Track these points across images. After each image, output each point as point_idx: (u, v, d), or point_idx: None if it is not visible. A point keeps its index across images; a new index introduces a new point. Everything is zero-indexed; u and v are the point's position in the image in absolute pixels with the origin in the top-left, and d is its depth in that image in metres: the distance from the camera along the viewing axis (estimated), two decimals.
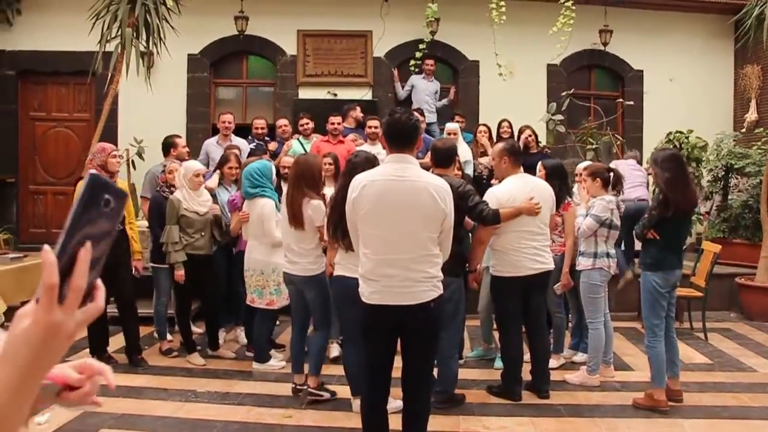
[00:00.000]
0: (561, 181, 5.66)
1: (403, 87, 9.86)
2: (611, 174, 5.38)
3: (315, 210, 4.75)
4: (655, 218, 4.69)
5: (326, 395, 4.90)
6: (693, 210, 4.95)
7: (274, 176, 5.65)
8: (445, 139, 6.26)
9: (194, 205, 5.69)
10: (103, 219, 0.89)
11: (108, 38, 7.06)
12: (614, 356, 5.80)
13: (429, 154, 5.21)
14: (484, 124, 8.42)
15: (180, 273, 5.62)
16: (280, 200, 5.46)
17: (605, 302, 5.40)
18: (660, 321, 4.77)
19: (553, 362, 5.80)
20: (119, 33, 6.98)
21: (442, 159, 4.75)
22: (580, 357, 5.85)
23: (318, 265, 4.88)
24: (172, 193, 5.95)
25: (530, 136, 7.82)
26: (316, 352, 4.98)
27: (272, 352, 5.93)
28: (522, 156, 7.22)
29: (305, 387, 4.91)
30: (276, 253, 5.35)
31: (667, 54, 10.49)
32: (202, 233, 5.72)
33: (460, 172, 5.97)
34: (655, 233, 4.71)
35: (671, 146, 8.12)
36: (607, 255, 5.28)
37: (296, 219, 4.79)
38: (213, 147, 7.66)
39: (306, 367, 5.00)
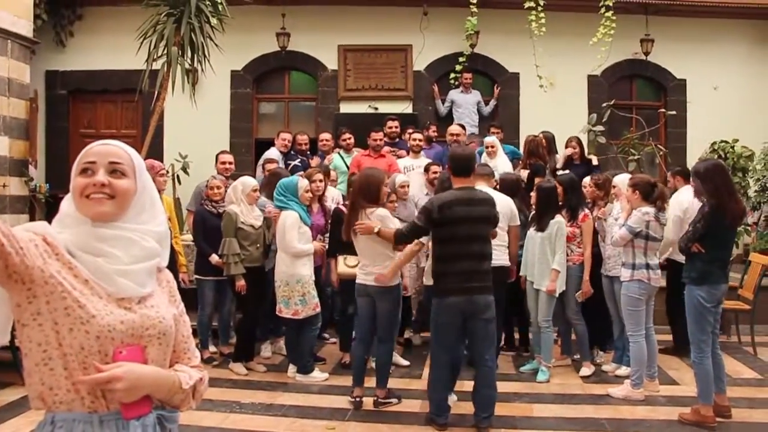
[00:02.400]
0: (575, 194, 5.98)
1: (443, 102, 9.87)
2: (655, 187, 5.32)
3: (382, 218, 4.91)
4: (700, 231, 4.62)
5: (395, 401, 5.09)
6: (739, 222, 4.85)
7: (303, 191, 5.79)
8: (465, 146, 6.17)
9: (250, 219, 5.87)
10: None
11: (155, 57, 7.28)
12: (659, 370, 5.72)
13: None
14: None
15: (241, 284, 5.77)
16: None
17: (647, 315, 5.34)
18: (707, 337, 4.67)
19: (585, 370, 5.89)
20: (165, 52, 7.19)
21: (459, 168, 4.70)
22: (623, 370, 5.78)
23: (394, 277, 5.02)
24: (215, 207, 6.12)
25: (574, 148, 7.77)
26: (382, 364, 5.09)
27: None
28: (570, 166, 7.29)
29: (369, 398, 5.03)
30: (299, 264, 5.58)
31: (710, 62, 10.33)
32: (257, 245, 5.88)
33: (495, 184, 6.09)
34: (700, 247, 4.64)
35: (716, 156, 7.98)
36: (647, 266, 5.21)
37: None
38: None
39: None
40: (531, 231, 5.92)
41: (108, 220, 1.57)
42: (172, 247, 5.71)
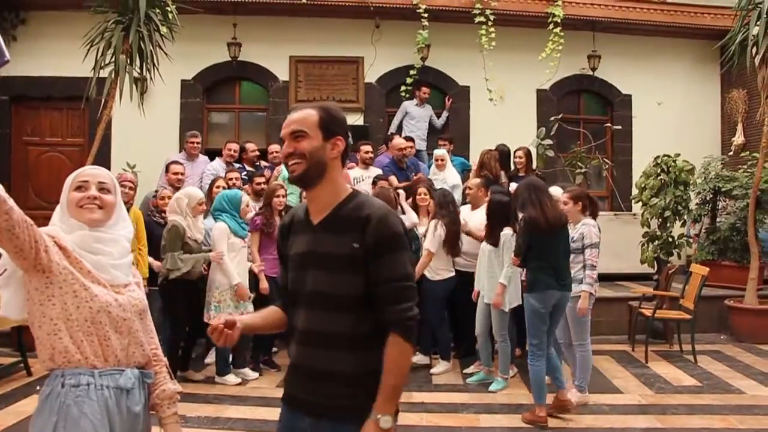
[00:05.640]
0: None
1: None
2: (591, 200, 5.52)
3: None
4: (522, 244, 5.02)
5: None
6: (557, 228, 5.02)
7: (244, 205, 5.90)
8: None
9: (195, 233, 5.81)
10: None
11: (102, 64, 7.12)
12: (605, 379, 5.92)
13: None
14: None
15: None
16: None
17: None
18: (539, 341, 4.95)
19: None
20: (113, 59, 7.04)
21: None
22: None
23: None
24: (162, 218, 6.01)
25: (519, 158, 7.83)
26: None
27: (245, 370, 6.11)
28: (515, 178, 7.37)
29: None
30: (218, 271, 5.75)
31: (655, 79, 10.63)
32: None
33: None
34: (518, 259, 5.12)
35: (658, 170, 8.20)
36: (594, 279, 5.36)
37: None
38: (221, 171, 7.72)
39: None
40: (483, 244, 5.98)
41: (98, 225, 2.13)
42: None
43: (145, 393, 2.19)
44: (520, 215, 5.10)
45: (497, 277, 5.73)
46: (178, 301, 5.77)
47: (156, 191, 6.38)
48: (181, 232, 5.68)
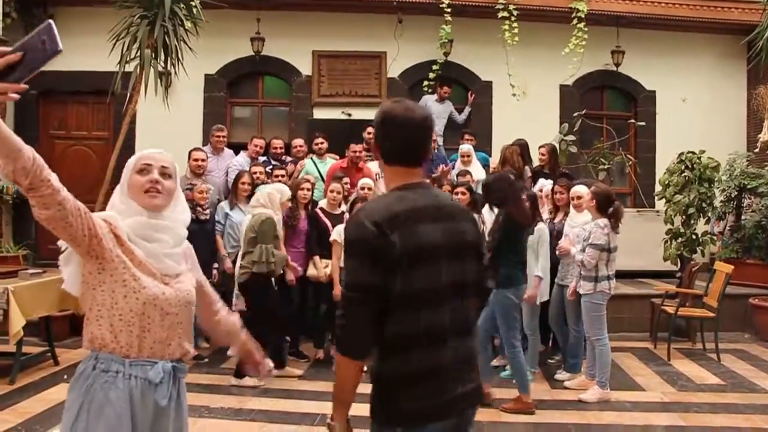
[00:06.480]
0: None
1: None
2: (612, 203, 5.40)
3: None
4: (498, 238, 4.99)
5: None
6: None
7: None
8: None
9: (281, 229, 5.95)
10: (38, 51, 1.60)
11: (127, 59, 7.22)
12: (627, 376, 5.90)
13: None
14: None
15: (291, 278, 6.14)
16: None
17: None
18: (516, 332, 5.10)
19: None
20: (138, 54, 7.13)
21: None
22: (577, 380, 5.83)
23: None
24: (198, 212, 6.13)
25: (543, 155, 7.77)
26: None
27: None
28: (540, 174, 7.35)
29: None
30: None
31: (679, 74, 10.54)
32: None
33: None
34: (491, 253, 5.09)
35: (683, 167, 8.12)
36: (608, 278, 5.36)
37: None
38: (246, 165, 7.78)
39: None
40: None
41: (159, 210, 2.12)
42: None
43: (176, 386, 2.15)
44: (496, 209, 5.23)
45: (531, 270, 5.65)
46: (266, 296, 5.72)
47: (192, 185, 6.46)
48: (274, 226, 5.69)
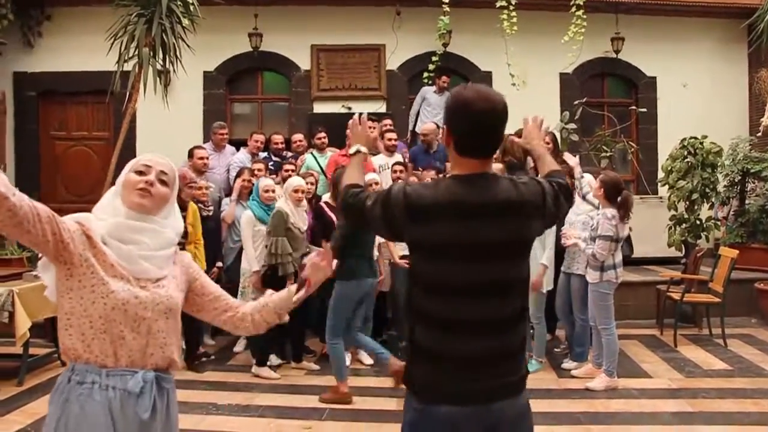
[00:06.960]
0: None
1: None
2: (621, 192, 5.37)
3: None
4: (344, 231, 4.93)
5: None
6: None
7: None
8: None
9: (299, 221, 5.84)
10: None
11: (126, 58, 7.20)
12: (633, 363, 5.90)
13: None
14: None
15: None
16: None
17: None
18: (341, 323, 5.11)
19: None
20: (136, 53, 7.11)
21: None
22: (584, 369, 5.83)
23: None
24: (199, 210, 6.13)
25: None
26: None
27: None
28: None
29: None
30: (244, 259, 5.99)
31: (679, 60, 10.49)
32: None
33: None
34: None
35: (685, 152, 8.09)
36: (614, 267, 5.34)
37: None
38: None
39: None
40: None
41: (143, 212, 2.03)
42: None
43: (163, 399, 2.02)
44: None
45: (537, 259, 5.64)
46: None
47: (194, 182, 6.45)
48: (284, 218, 5.65)
